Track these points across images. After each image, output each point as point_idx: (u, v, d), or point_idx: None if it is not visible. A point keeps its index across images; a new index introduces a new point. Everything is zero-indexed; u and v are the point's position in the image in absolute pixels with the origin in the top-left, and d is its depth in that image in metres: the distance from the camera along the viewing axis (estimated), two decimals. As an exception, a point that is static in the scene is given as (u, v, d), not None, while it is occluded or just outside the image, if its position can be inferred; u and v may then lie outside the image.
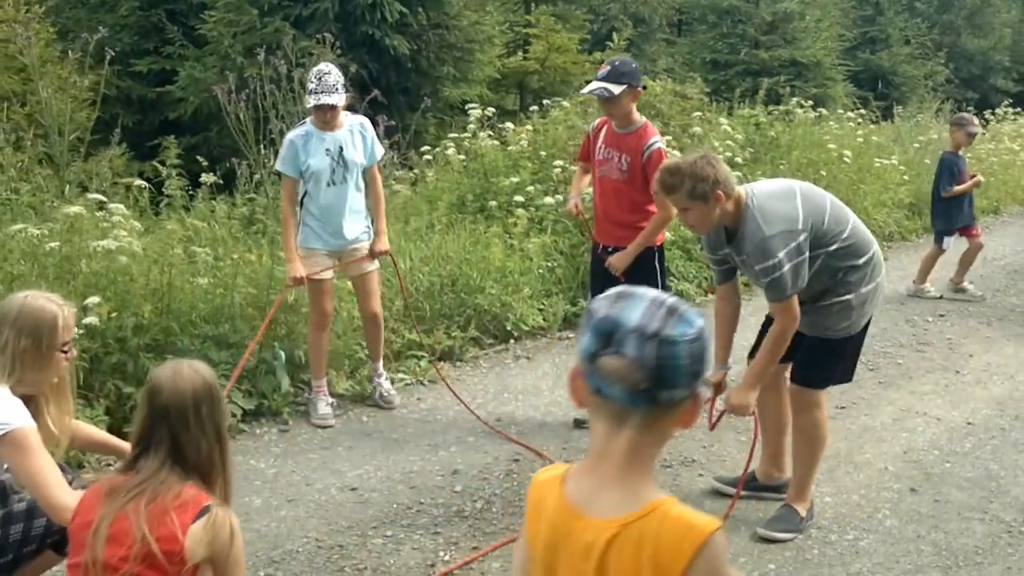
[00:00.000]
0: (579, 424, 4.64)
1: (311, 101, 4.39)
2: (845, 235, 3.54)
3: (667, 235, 6.58)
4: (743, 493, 3.91)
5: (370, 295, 4.72)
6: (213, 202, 5.78)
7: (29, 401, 2.71)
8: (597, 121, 4.64)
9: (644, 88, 4.75)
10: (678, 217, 3.88)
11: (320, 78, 4.36)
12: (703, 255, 3.91)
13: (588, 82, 4.64)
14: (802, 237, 3.43)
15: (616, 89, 4.26)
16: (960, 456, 4.46)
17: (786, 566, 3.46)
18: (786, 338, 3.51)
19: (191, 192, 6.13)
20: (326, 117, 4.45)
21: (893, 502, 3.97)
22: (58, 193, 5.78)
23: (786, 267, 3.39)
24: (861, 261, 3.58)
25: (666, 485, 4.07)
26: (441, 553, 3.50)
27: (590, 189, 4.78)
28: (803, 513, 3.71)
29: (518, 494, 3.97)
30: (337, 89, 4.40)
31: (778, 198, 3.51)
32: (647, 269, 4.45)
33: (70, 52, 6.86)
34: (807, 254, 3.46)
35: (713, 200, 3.37)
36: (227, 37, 7.61)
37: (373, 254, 4.68)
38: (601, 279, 4.55)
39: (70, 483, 2.82)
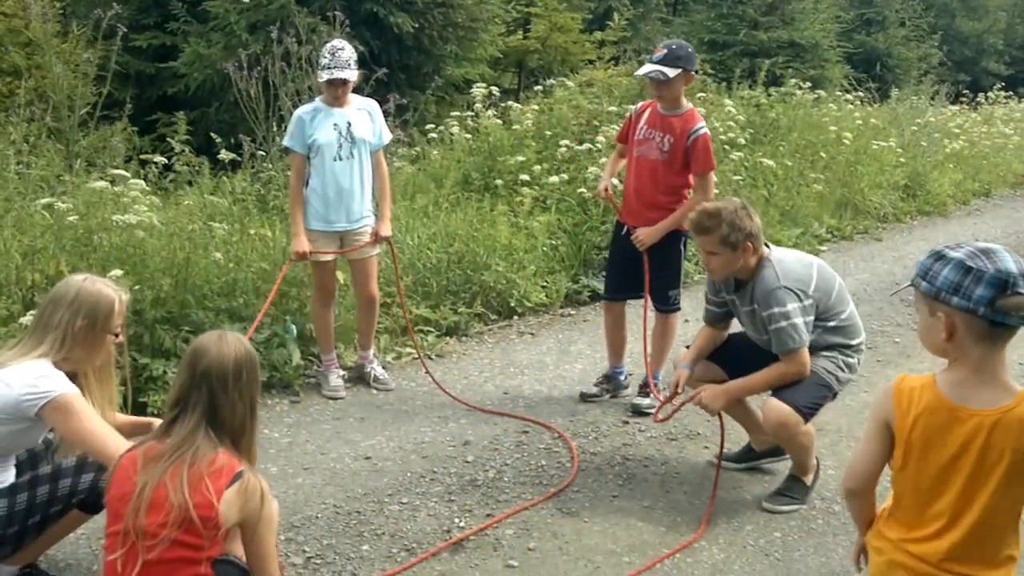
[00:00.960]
0: (585, 398, 4.74)
1: (324, 76, 4.42)
2: (844, 315, 3.77)
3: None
4: (744, 465, 4.09)
5: (368, 278, 4.75)
6: (224, 177, 5.82)
7: (72, 379, 2.81)
8: (640, 104, 4.72)
9: (697, 72, 4.82)
10: (696, 247, 3.99)
11: (334, 53, 4.40)
12: (707, 289, 4.05)
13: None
14: (809, 301, 3.65)
15: (671, 72, 4.34)
16: (957, 430, 4.58)
17: (791, 535, 3.58)
18: (786, 381, 3.65)
19: (197, 168, 6.17)
20: (337, 92, 4.49)
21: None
22: (66, 168, 5.83)
23: (796, 319, 3.59)
24: (853, 343, 3.79)
25: (672, 457, 4.20)
26: (456, 520, 3.60)
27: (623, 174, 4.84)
28: (808, 483, 3.82)
29: (528, 464, 4.08)
30: (350, 65, 4.44)
31: (797, 262, 3.78)
32: (673, 252, 4.57)
33: (74, 27, 6.88)
34: (812, 319, 3.65)
35: (742, 250, 3.60)
36: (232, 13, 7.62)
37: (377, 238, 4.69)
38: (621, 259, 4.64)
39: None
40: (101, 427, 2.72)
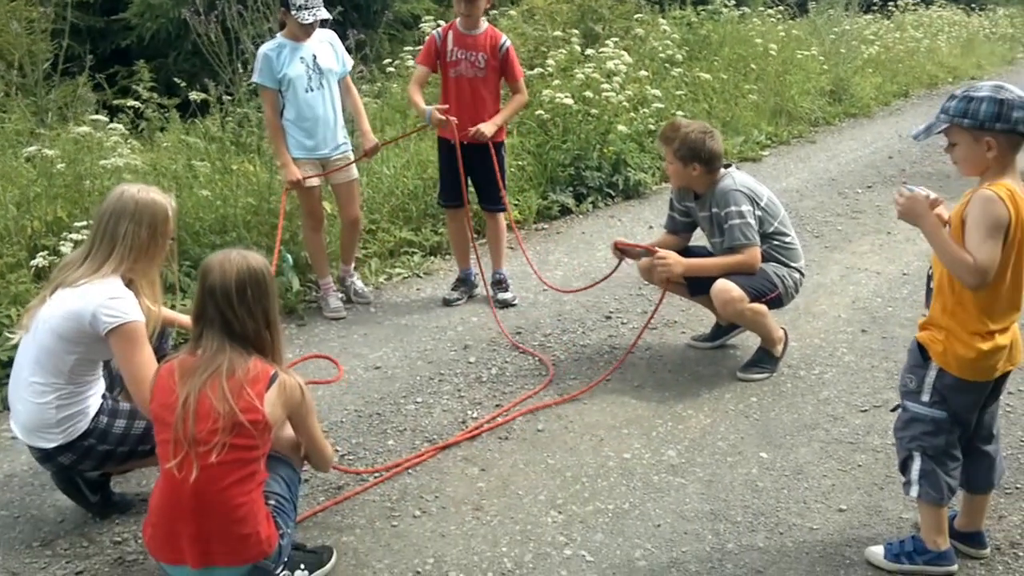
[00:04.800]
0: (447, 303, 5.13)
1: (306, 17, 4.56)
2: (788, 240, 4.26)
3: (623, 129, 7.09)
4: (717, 343, 4.57)
5: (352, 200, 5.01)
6: (196, 121, 5.96)
7: (128, 285, 2.98)
8: (441, 28, 5.01)
9: None
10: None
11: None
12: (672, 196, 4.46)
13: None
14: (760, 212, 4.15)
15: None
16: (899, 301, 5.14)
17: (766, 399, 4.05)
18: (738, 270, 4.09)
19: (166, 115, 6.28)
20: (310, 30, 4.66)
21: (849, 342, 4.61)
22: (38, 122, 5.91)
23: (749, 218, 4.08)
24: (794, 264, 4.25)
25: (654, 343, 4.63)
26: (469, 412, 3.96)
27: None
28: (776, 354, 4.29)
29: (526, 359, 4.47)
30: (320, 4, 4.63)
31: (752, 179, 4.28)
32: (497, 158, 4.94)
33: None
34: (758, 228, 4.12)
35: (691, 168, 4.13)
36: (179, -40, 7.60)
37: (367, 153, 4.96)
38: (451, 170, 4.96)
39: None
40: (150, 371, 2.81)
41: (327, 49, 4.79)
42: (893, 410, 2.92)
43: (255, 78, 4.76)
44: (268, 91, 4.71)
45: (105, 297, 2.86)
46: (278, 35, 4.77)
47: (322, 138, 4.79)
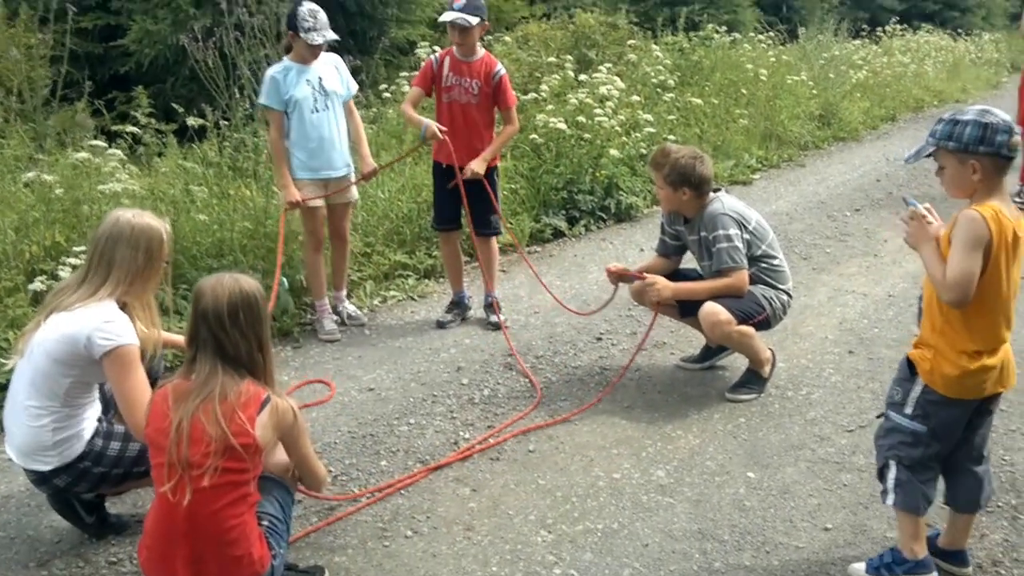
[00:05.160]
0: (440, 325, 5.19)
1: (315, 39, 4.62)
2: (776, 262, 4.33)
3: (615, 153, 7.20)
4: (706, 364, 4.63)
5: (343, 219, 5.09)
6: (193, 146, 6.04)
7: (123, 308, 3.01)
8: (439, 53, 5.09)
9: (488, 22, 5.11)
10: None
11: (315, 16, 4.64)
12: (663, 220, 4.54)
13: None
14: (748, 236, 4.22)
15: (473, 20, 4.78)
16: (886, 322, 5.21)
17: (754, 419, 4.11)
18: (726, 293, 4.16)
19: (163, 140, 6.36)
20: (318, 52, 4.76)
21: (835, 363, 4.68)
22: (37, 147, 5.98)
23: (737, 242, 4.16)
24: (782, 286, 4.32)
25: (644, 364, 4.68)
26: (461, 433, 4.01)
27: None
28: (764, 375, 4.35)
29: (518, 381, 4.52)
30: (328, 26, 4.72)
31: (741, 203, 4.35)
32: (489, 182, 5.02)
33: (22, 11, 6.92)
34: (746, 251, 4.19)
35: (680, 192, 4.20)
36: (177, -11, 7.71)
37: (365, 176, 5.04)
38: (445, 193, 5.03)
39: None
40: (144, 396, 2.84)
41: (332, 72, 4.88)
42: (878, 417, 3.00)
43: (262, 99, 4.82)
44: (274, 112, 4.77)
45: (100, 320, 2.89)
46: (284, 58, 4.84)
47: (326, 159, 4.86)
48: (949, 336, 2.71)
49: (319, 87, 4.78)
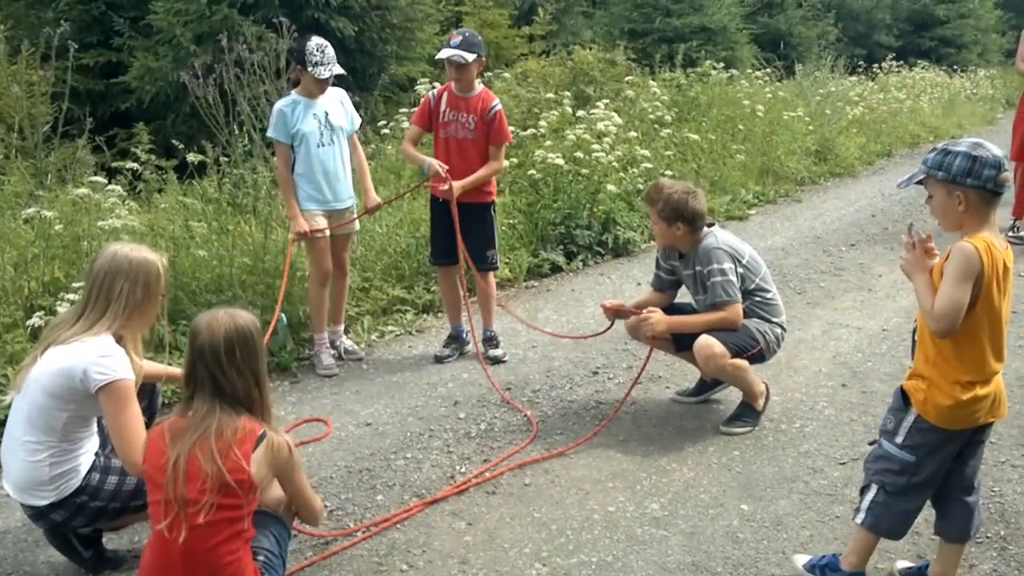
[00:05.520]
0: (439, 359, 5.23)
1: (323, 73, 4.71)
2: (770, 296, 4.38)
3: (612, 189, 7.28)
4: (701, 398, 4.66)
5: (344, 248, 5.15)
6: (193, 182, 6.11)
7: (118, 342, 3.02)
8: (436, 89, 5.17)
9: (484, 58, 5.16)
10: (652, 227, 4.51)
11: (323, 51, 4.73)
12: (658, 255, 4.61)
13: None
14: (742, 269, 4.27)
15: (470, 57, 4.88)
16: (879, 356, 5.24)
17: (748, 452, 4.12)
18: (721, 326, 4.20)
19: (164, 177, 6.43)
20: (325, 87, 4.84)
21: (829, 396, 4.70)
22: (37, 184, 6.05)
23: (731, 276, 4.20)
24: (775, 319, 4.37)
25: (639, 397, 4.71)
26: (457, 467, 4.02)
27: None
28: (758, 408, 4.37)
29: (515, 416, 4.54)
30: (335, 60, 4.81)
31: (734, 237, 4.42)
32: (485, 217, 5.08)
33: (23, 48, 7.03)
34: (739, 285, 4.24)
35: (675, 227, 4.25)
36: (177, 26, 7.82)
37: (368, 210, 5.12)
38: (443, 228, 5.08)
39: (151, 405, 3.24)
40: (139, 432, 2.87)
41: (338, 107, 4.96)
42: (870, 444, 3.03)
43: (270, 133, 4.90)
44: (282, 146, 4.85)
45: (96, 355, 2.90)
46: (292, 92, 4.92)
47: (332, 192, 4.93)
48: (942, 367, 2.74)
49: (325, 121, 4.87)
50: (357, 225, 5.20)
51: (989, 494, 3.68)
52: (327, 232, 4.97)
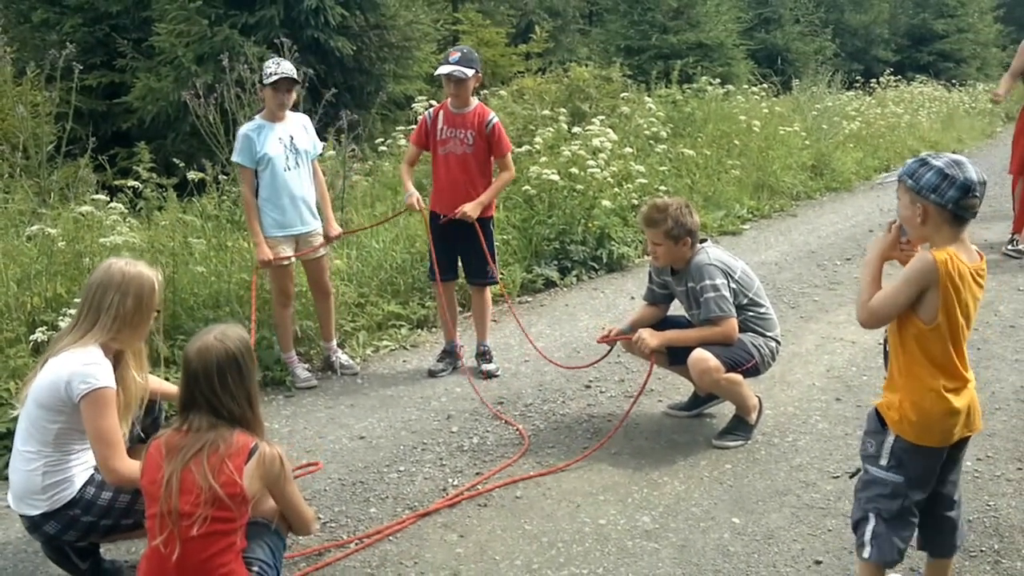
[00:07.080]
0: (432, 374, 5.29)
1: (273, 79, 4.73)
2: (763, 310, 4.42)
3: (607, 204, 7.34)
4: (694, 412, 4.69)
5: (322, 273, 5.18)
6: (193, 200, 6.18)
7: (118, 357, 3.09)
8: (432, 108, 5.24)
9: (481, 74, 5.29)
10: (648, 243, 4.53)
11: (279, 63, 4.81)
12: (651, 270, 4.66)
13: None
14: (735, 285, 4.31)
15: (468, 72, 4.96)
16: (874, 370, 5.26)
17: (740, 465, 4.15)
18: (715, 341, 4.24)
19: (164, 194, 6.50)
20: (284, 98, 4.82)
21: (823, 410, 4.73)
22: (40, 202, 6.13)
23: (724, 291, 4.24)
24: (769, 334, 4.42)
25: (632, 411, 4.73)
26: (450, 480, 4.05)
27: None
28: (751, 422, 4.40)
29: (507, 429, 4.58)
30: (293, 71, 4.84)
31: (726, 253, 4.46)
32: (484, 233, 5.13)
33: (29, 69, 7.13)
34: (733, 300, 4.28)
35: (682, 244, 4.28)
36: (179, 47, 7.92)
37: (328, 239, 5.13)
38: (443, 246, 5.15)
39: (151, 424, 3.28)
40: (118, 440, 2.90)
41: (302, 131, 5.00)
42: (853, 475, 3.01)
43: (235, 157, 4.89)
44: (246, 170, 4.86)
45: (79, 364, 2.93)
46: (256, 116, 4.95)
47: (297, 216, 4.95)
48: (916, 373, 2.74)
49: (291, 145, 4.89)
50: (326, 248, 5.21)
51: (984, 508, 3.70)
52: (292, 260, 5.00)
